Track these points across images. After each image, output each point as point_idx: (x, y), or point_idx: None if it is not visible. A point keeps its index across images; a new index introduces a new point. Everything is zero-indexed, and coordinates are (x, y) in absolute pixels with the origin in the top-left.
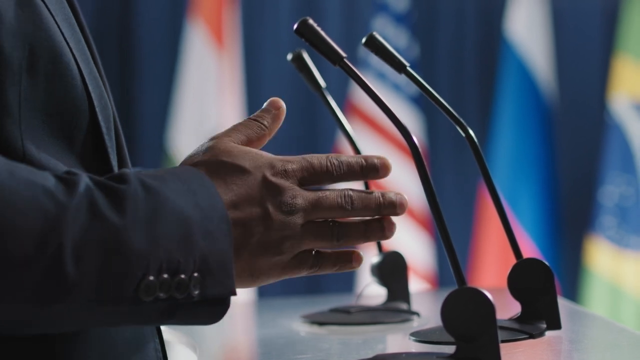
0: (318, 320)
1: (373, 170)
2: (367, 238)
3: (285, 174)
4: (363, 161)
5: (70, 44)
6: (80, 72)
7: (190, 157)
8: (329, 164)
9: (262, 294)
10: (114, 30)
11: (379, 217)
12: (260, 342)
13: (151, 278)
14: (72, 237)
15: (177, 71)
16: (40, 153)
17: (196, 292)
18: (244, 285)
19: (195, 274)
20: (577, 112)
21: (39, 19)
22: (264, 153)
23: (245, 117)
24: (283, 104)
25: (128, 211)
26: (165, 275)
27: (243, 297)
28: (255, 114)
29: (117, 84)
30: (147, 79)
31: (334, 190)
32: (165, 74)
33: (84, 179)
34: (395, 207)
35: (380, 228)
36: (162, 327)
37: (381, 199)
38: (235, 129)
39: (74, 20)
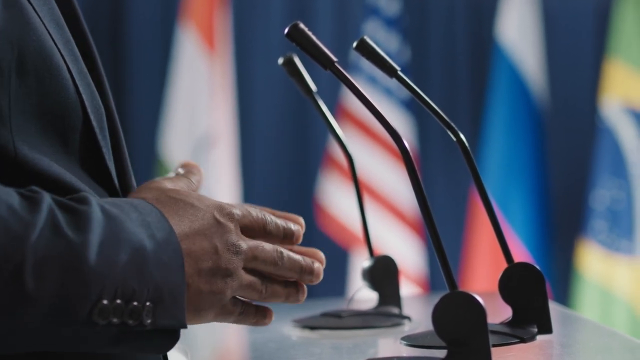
0: (309, 325)
1: (290, 236)
2: (286, 299)
3: (231, 216)
4: (284, 225)
5: (58, 45)
6: (70, 73)
7: (137, 192)
8: (262, 216)
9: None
10: (106, 33)
11: (296, 281)
12: (252, 347)
13: (105, 302)
14: (34, 253)
15: (169, 75)
16: (34, 154)
17: (148, 321)
18: (188, 320)
19: (148, 303)
20: (568, 116)
21: (25, 20)
22: (208, 197)
23: (236, 121)
24: (198, 166)
25: (88, 231)
26: (119, 301)
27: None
28: (178, 172)
29: (109, 87)
30: (138, 82)
31: (270, 244)
32: (156, 78)
33: (46, 198)
34: (312, 275)
35: (296, 292)
36: None
37: (303, 263)
38: (166, 179)
39: (63, 22)
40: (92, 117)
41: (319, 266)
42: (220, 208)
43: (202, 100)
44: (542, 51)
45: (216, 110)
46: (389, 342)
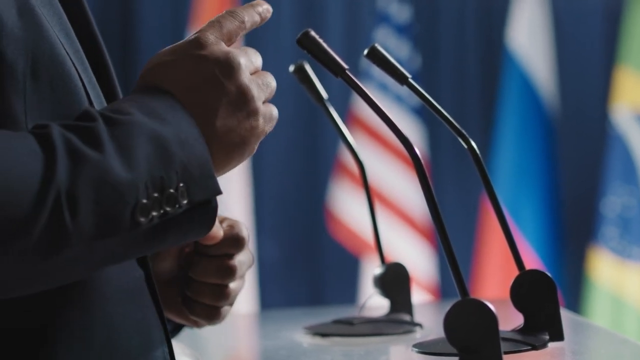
0: (321, 332)
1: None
2: None
3: (209, 41)
4: (254, 7)
5: (69, 53)
6: (82, 81)
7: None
8: (237, 17)
9: (265, 305)
10: (116, 38)
11: None
12: (263, 354)
13: (144, 201)
14: (65, 186)
15: None
16: None
17: (184, 202)
18: (237, 159)
19: (181, 184)
20: (579, 123)
21: (39, 28)
22: (179, 42)
23: None
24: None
25: (104, 144)
26: (155, 194)
27: (246, 308)
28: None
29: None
30: None
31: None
32: None
33: (56, 128)
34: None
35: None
36: None
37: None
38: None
39: (72, 32)
40: None
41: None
42: (191, 43)
43: None
44: (552, 58)
45: None
46: (400, 349)
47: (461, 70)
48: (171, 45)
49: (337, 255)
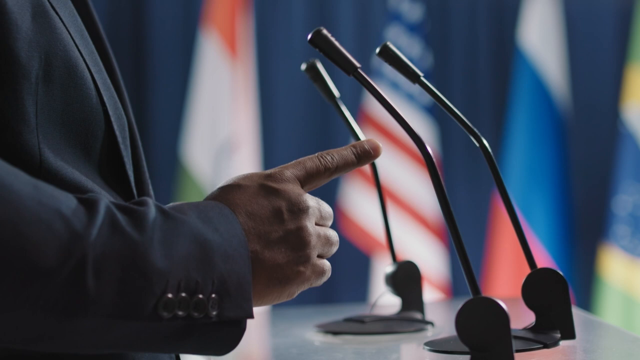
0: (332, 330)
1: (366, 155)
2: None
3: (282, 178)
4: (354, 149)
5: (83, 55)
6: (95, 82)
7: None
8: (322, 161)
9: (276, 304)
10: (127, 39)
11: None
12: (275, 352)
13: (170, 296)
14: (94, 251)
15: (191, 80)
16: (57, 161)
17: (214, 313)
18: (274, 297)
19: (214, 295)
20: (590, 122)
21: (53, 30)
22: (258, 172)
23: (258, 126)
24: (378, 147)
25: (148, 230)
26: (184, 294)
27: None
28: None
29: (131, 93)
30: (160, 88)
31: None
32: (178, 83)
33: (104, 200)
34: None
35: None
36: None
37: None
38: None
39: (86, 33)
40: (115, 126)
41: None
42: (268, 176)
43: (224, 105)
44: (564, 56)
45: (238, 115)
46: (411, 348)
47: (473, 69)
48: (248, 173)
49: (348, 254)
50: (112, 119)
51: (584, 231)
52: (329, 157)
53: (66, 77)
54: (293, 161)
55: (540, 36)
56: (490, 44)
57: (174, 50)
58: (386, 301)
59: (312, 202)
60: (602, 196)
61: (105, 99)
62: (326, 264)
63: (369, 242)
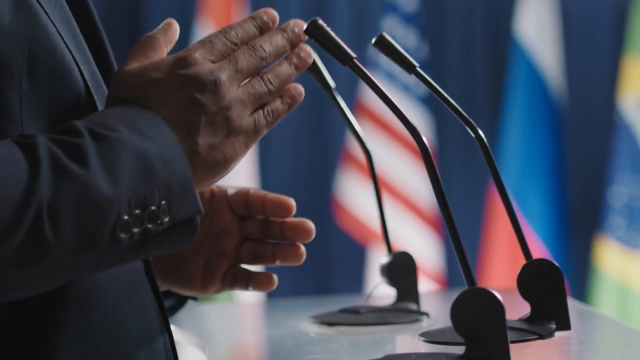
0: (327, 321)
1: (263, 21)
2: (296, 69)
3: (193, 60)
4: (251, 18)
5: (70, 47)
6: (82, 75)
7: (109, 99)
8: (225, 34)
9: (271, 294)
10: (123, 31)
11: (294, 49)
12: (269, 343)
13: (125, 217)
14: (47, 199)
15: None
16: None
17: (166, 219)
18: (219, 174)
19: (163, 202)
20: (586, 113)
21: (36, 22)
22: (164, 57)
23: None
24: (172, 20)
25: (89, 160)
26: (137, 211)
27: (252, 297)
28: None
29: None
30: None
31: (241, 49)
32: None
33: (42, 140)
34: (301, 36)
35: (300, 55)
36: (172, 328)
37: (283, 31)
38: (130, 55)
39: (74, 24)
40: None
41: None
42: (178, 61)
43: None
44: (560, 48)
45: None
46: (407, 339)
47: (469, 59)
48: (156, 60)
49: (344, 244)
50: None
51: (579, 222)
52: (231, 33)
53: (52, 71)
54: (197, 42)
55: (536, 27)
56: (486, 34)
57: None
58: (381, 292)
59: (226, 71)
60: (598, 187)
61: (93, 91)
62: (258, 117)
63: (365, 233)
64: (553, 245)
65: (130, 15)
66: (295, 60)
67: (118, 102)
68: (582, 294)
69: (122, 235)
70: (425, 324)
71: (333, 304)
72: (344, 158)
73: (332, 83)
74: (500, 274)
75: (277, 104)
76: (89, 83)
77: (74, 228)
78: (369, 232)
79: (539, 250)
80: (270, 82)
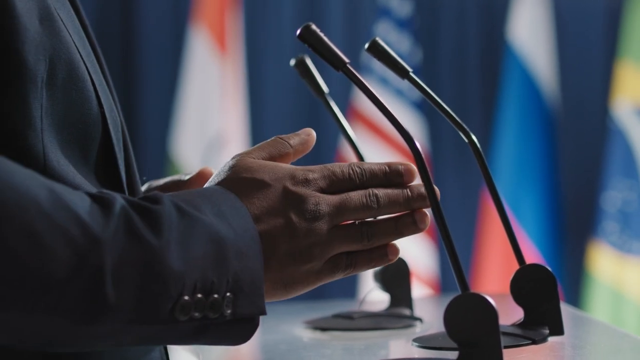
0: (321, 326)
1: (397, 176)
2: (399, 234)
3: (306, 182)
4: (386, 167)
5: (82, 56)
6: (93, 84)
7: (214, 177)
8: (351, 171)
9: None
10: (116, 36)
11: (409, 211)
12: (263, 348)
13: (186, 298)
14: (112, 258)
15: (180, 76)
16: (60, 164)
17: (228, 312)
18: (278, 297)
19: (228, 294)
20: (579, 118)
21: (57, 33)
22: (284, 165)
23: (247, 122)
24: (314, 133)
25: (164, 231)
26: (200, 295)
27: None
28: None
29: (120, 89)
30: (149, 84)
31: (358, 191)
32: (167, 79)
33: (119, 199)
34: (423, 199)
35: (412, 222)
36: None
37: (409, 193)
38: (258, 146)
39: (83, 33)
40: (111, 128)
41: (421, 186)
42: (293, 176)
43: (213, 101)
44: (553, 52)
45: (227, 111)
46: (400, 344)
47: (462, 65)
48: (275, 165)
49: None
50: (109, 121)
51: (572, 227)
52: (358, 170)
53: (68, 81)
54: (323, 165)
55: (530, 32)
56: (479, 40)
57: (163, 47)
58: (375, 297)
59: (326, 207)
60: (591, 192)
61: (102, 100)
62: (337, 266)
63: None
64: (546, 250)
65: (122, 19)
66: (406, 223)
67: (217, 186)
68: (576, 299)
69: (181, 316)
70: (419, 329)
71: (326, 309)
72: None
73: (325, 88)
74: (493, 279)
75: (363, 258)
76: (99, 93)
77: (134, 295)
78: None
79: (533, 255)
80: (367, 237)
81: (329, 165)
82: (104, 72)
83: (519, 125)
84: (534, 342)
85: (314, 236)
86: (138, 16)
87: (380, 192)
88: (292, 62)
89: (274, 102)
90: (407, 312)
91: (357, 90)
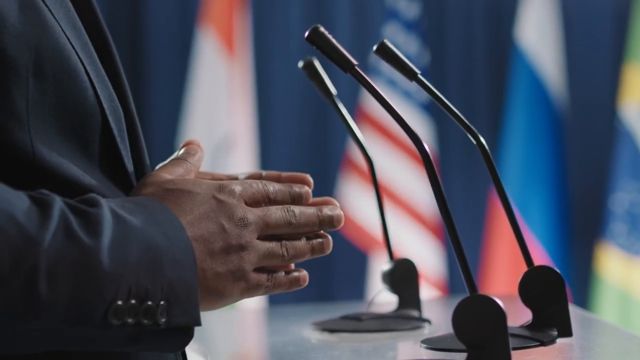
0: (329, 328)
1: (299, 197)
2: (312, 253)
3: (232, 193)
4: (290, 188)
5: (75, 47)
6: (88, 75)
7: (134, 193)
8: (267, 188)
9: (273, 301)
10: (125, 37)
11: (319, 233)
12: (271, 350)
13: (119, 302)
14: (47, 258)
15: (188, 78)
16: (52, 156)
17: (163, 320)
18: (209, 306)
19: (162, 302)
20: (587, 119)
21: (42, 22)
22: (205, 179)
23: (255, 124)
24: (200, 145)
25: (100, 234)
26: (134, 301)
27: (254, 304)
28: (178, 154)
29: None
30: (157, 85)
31: (277, 206)
32: (176, 81)
33: (57, 201)
34: (333, 221)
35: (320, 245)
36: None
37: (319, 214)
38: (165, 166)
39: (79, 24)
40: (110, 119)
41: (339, 212)
42: (219, 188)
43: (221, 103)
44: (561, 54)
45: (235, 113)
46: (408, 345)
47: (470, 66)
48: (195, 179)
49: (345, 252)
50: (107, 111)
51: (581, 229)
52: (271, 187)
53: (58, 70)
54: (240, 179)
55: (537, 34)
56: (487, 41)
57: (171, 48)
58: (383, 299)
59: (253, 216)
60: (599, 194)
61: (99, 91)
62: (262, 278)
63: (366, 240)
64: (554, 252)
65: (130, 20)
66: (319, 245)
67: (150, 195)
68: (584, 301)
69: (114, 321)
70: (427, 331)
71: (334, 311)
72: (345, 165)
73: (333, 90)
74: (501, 281)
75: (281, 276)
76: (95, 84)
77: (68, 295)
78: (370, 239)
79: (541, 256)
80: (287, 251)
81: (248, 181)
82: (113, 63)
83: (527, 126)
84: (542, 343)
85: (244, 241)
86: (146, 18)
87: (297, 208)
88: (300, 64)
89: (281, 104)
90: (415, 313)
91: (365, 92)
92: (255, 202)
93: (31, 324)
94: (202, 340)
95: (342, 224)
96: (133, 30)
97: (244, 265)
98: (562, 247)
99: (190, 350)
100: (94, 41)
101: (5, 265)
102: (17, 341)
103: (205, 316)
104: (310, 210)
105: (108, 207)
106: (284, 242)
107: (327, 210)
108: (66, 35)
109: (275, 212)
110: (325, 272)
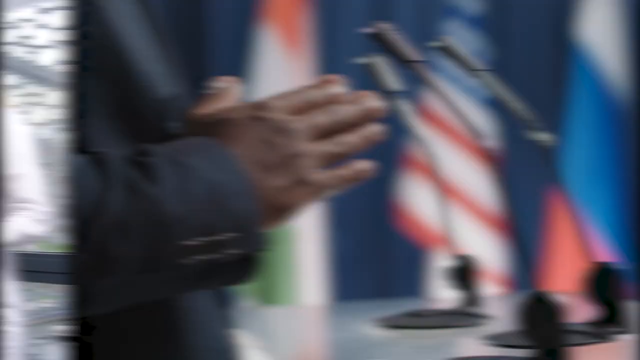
0: (390, 324)
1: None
2: (365, 143)
3: (266, 107)
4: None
5: (137, 45)
6: (148, 75)
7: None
8: (304, 92)
9: (335, 298)
10: (185, 34)
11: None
12: (334, 346)
13: (190, 242)
14: (115, 215)
15: (250, 75)
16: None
17: (231, 252)
18: (283, 220)
19: (229, 234)
20: None
21: (103, 19)
22: (236, 105)
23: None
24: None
25: (161, 181)
26: (202, 238)
27: (316, 300)
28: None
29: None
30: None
31: (318, 110)
32: (238, 77)
33: (112, 155)
34: (375, 110)
35: (372, 132)
36: (237, 331)
37: (361, 107)
38: (198, 106)
39: (142, 22)
40: (171, 117)
41: (377, 102)
42: (256, 107)
43: None
44: (625, 51)
45: None
46: (470, 342)
47: (533, 63)
48: (231, 104)
49: (405, 248)
50: (169, 109)
51: None
52: (305, 94)
53: (117, 69)
54: (275, 94)
55: (601, 31)
56: (550, 38)
57: (233, 45)
58: (444, 295)
59: (297, 124)
60: None
61: (160, 90)
62: (325, 177)
63: (427, 236)
64: (620, 248)
65: (191, 18)
66: (366, 132)
67: (200, 136)
68: None
69: (185, 261)
70: (489, 327)
71: (396, 307)
72: (404, 161)
73: (395, 87)
74: (565, 277)
75: (343, 172)
76: (153, 81)
77: (139, 245)
78: (431, 235)
79: (606, 253)
80: (342, 147)
81: (282, 93)
82: (173, 60)
83: (590, 123)
84: (606, 340)
85: (296, 149)
86: (207, 14)
87: (338, 107)
88: (362, 60)
89: None
90: (477, 310)
91: (426, 87)
92: (294, 110)
93: (106, 279)
94: (265, 337)
95: (384, 111)
96: (195, 27)
97: (304, 171)
98: (627, 244)
99: (255, 348)
100: (153, 39)
101: (76, 230)
102: (92, 301)
103: (269, 314)
104: (353, 106)
105: (162, 154)
106: (335, 139)
107: (367, 103)
108: (128, 33)
109: (318, 115)
110: (384, 269)
